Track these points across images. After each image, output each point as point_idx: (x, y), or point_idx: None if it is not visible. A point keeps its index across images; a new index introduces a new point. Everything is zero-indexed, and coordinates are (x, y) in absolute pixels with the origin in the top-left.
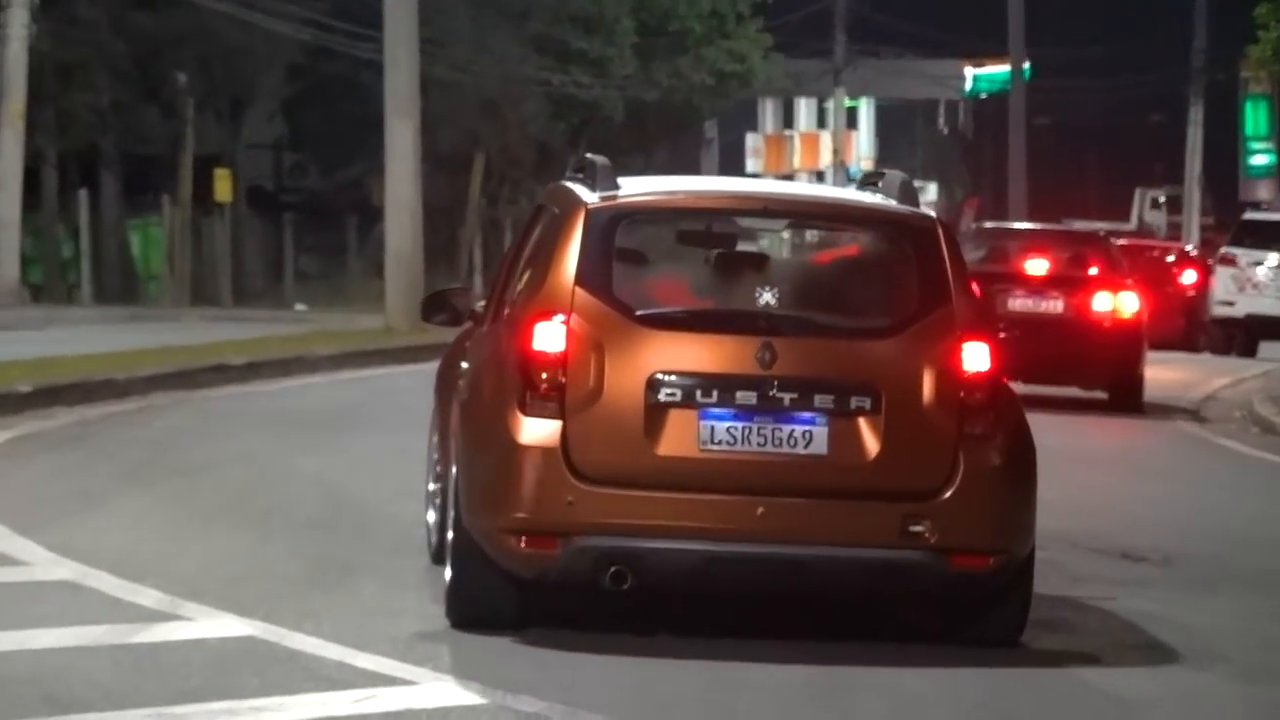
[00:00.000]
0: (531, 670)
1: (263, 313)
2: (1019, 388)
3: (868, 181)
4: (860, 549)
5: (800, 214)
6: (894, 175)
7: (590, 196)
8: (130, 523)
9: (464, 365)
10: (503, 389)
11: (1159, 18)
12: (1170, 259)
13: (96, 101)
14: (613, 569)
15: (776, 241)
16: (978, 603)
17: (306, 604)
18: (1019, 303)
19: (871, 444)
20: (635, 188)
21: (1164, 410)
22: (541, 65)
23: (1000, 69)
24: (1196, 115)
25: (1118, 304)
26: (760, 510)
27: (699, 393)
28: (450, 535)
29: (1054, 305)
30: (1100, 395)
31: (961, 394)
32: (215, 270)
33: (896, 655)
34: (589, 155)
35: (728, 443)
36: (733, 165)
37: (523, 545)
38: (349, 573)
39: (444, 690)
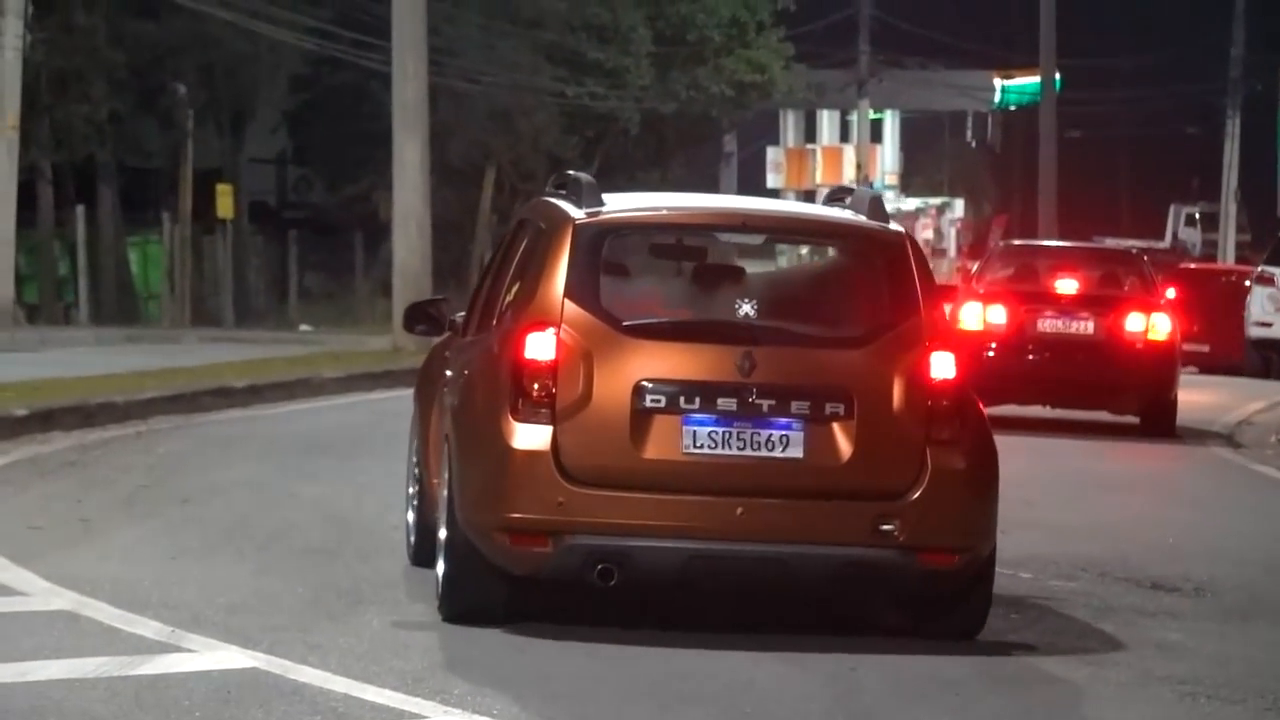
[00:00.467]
0: (543, 704)
1: (266, 333)
2: (1049, 411)
3: (834, 198)
4: (834, 547)
5: (776, 229)
6: (863, 191)
7: (577, 212)
8: (129, 551)
9: (449, 373)
10: (496, 396)
11: (1194, 26)
12: (1247, 284)
13: (93, 113)
14: (600, 566)
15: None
16: (943, 598)
17: (312, 635)
18: (1048, 324)
19: (845, 448)
20: (620, 204)
21: (1197, 435)
22: (554, 75)
23: (1030, 80)
24: (1233, 127)
25: (1150, 325)
26: (740, 510)
27: (682, 399)
28: (444, 534)
29: (1084, 326)
30: (1131, 420)
31: (929, 401)
32: (216, 289)
33: (914, 687)
34: (571, 172)
35: (709, 446)
36: (752, 180)
37: (515, 543)
38: (355, 602)
39: None
